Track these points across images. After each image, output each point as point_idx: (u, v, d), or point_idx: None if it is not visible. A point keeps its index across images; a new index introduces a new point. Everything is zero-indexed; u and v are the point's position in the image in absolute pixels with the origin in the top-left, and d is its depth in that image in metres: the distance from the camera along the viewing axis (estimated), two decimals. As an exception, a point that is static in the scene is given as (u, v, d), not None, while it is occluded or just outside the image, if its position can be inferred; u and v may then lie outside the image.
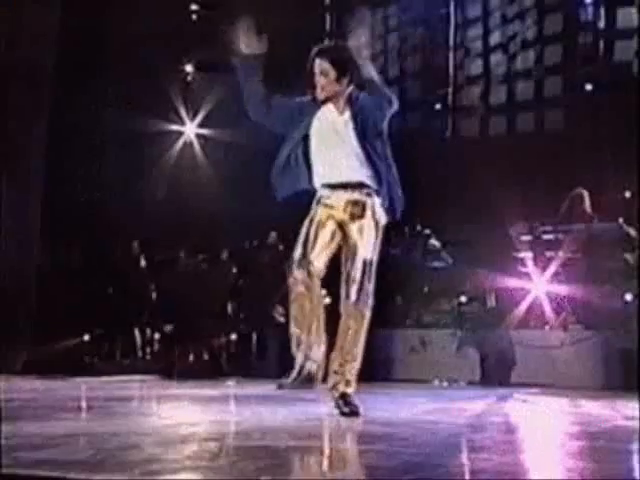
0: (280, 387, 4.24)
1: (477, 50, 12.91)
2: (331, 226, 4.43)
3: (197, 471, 2.63)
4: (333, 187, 4.45)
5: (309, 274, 4.30)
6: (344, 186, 4.43)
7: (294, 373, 4.27)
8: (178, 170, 13.02)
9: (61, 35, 10.74)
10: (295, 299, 4.34)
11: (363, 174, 4.42)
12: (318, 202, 4.49)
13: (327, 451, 3.31)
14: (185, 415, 4.83)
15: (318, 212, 4.46)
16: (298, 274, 4.31)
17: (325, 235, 4.40)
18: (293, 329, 4.35)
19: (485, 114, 12.79)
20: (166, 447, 3.17)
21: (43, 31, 10.55)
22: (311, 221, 4.44)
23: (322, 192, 4.49)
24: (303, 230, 4.43)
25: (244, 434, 3.64)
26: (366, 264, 4.41)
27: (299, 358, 4.28)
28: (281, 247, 10.40)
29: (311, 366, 4.25)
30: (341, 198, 4.44)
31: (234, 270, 11.44)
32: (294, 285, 4.33)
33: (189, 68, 13.66)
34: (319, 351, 4.31)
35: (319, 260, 4.36)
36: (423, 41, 13.36)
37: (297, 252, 4.37)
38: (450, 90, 13.10)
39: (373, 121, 4.41)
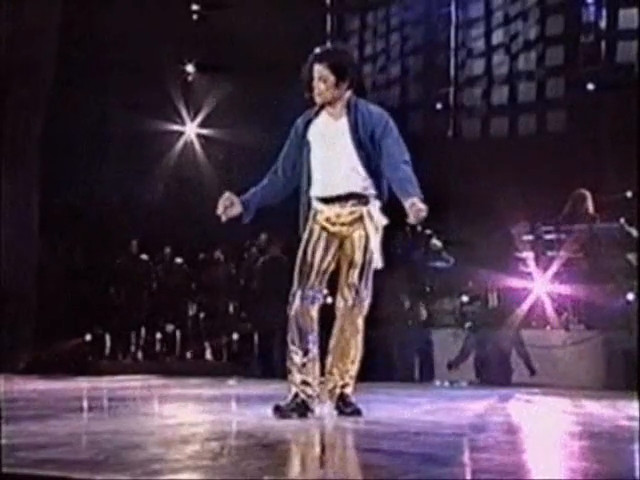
0: (276, 409, 4.23)
1: (479, 50, 12.90)
2: (325, 242, 4.38)
3: (199, 471, 2.63)
4: (327, 201, 4.39)
5: (307, 304, 4.32)
6: (338, 199, 4.37)
7: (289, 398, 4.26)
8: (178, 170, 13.04)
9: (61, 34, 10.75)
10: (293, 318, 4.34)
11: (358, 183, 4.35)
12: (314, 217, 4.42)
13: (329, 451, 3.31)
14: (187, 415, 4.83)
15: (314, 232, 4.40)
16: (297, 302, 4.32)
17: (320, 255, 4.36)
18: (290, 348, 4.34)
19: (486, 114, 12.78)
20: (168, 447, 3.17)
21: (43, 30, 10.56)
22: (307, 242, 4.39)
23: (317, 205, 4.42)
24: (300, 253, 4.39)
25: (246, 434, 3.64)
26: (364, 268, 4.38)
27: (294, 387, 4.27)
28: (278, 251, 10.41)
29: (306, 397, 4.25)
30: (336, 212, 4.37)
31: (232, 270, 11.48)
32: (294, 302, 4.35)
33: (190, 68, 13.68)
34: (315, 379, 4.31)
35: (318, 287, 4.35)
36: (425, 41, 13.36)
37: (296, 280, 4.36)
38: (451, 90, 13.10)
39: (373, 133, 4.34)
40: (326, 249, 4.38)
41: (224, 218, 4.41)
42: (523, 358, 8.25)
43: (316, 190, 4.42)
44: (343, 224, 4.38)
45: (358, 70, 4.62)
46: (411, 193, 4.16)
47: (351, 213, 4.37)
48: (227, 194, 4.42)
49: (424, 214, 4.11)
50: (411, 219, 4.14)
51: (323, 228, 4.41)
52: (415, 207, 4.07)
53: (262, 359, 10.02)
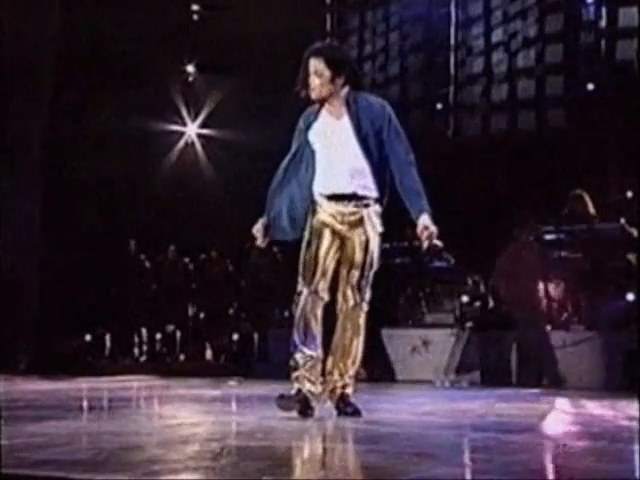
0: (281, 397, 4.24)
1: (479, 48, 12.90)
2: (328, 240, 4.38)
3: (199, 471, 2.63)
4: (329, 198, 4.38)
5: (315, 297, 4.32)
6: (340, 198, 4.36)
7: (292, 392, 4.26)
8: (179, 170, 13.05)
9: (62, 35, 10.76)
10: (300, 316, 4.34)
11: (361, 183, 4.34)
12: (313, 212, 4.41)
13: (329, 451, 3.31)
14: (187, 415, 4.83)
15: (317, 229, 4.39)
16: (304, 300, 4.32)
17: (324, 252, 4.35)
18: (295, 347, 4.33)
19: (486, 113, 12.77)
20: (168, 447, 3.18)
21: (44, 31, 10.57)
22: (310, 239, 4.38)
23: (318, 200, 4.41)
24: (303, 250, 4.38)
25: (246, 434, 3.64)
26: (365, 269, 4.39)
27: (297, 384, 4.28)
28: (275, 249, 10.42)
29: (309, 394, 4.26)
30: (336, 210, 4.37)
31: (231, 269, 11.48)
32: (300, 301, 4.34)
33: (190, 69, 13.69)
34: (318, 379, 4.32)
35: (323, 286, 4.35)
36: (424, 39, 13.36)
37: (301, 278, 4.36)
38: (451, 89, 13.09)
39: (376, 127, 4.33)
40: (329, 247, 4.39)
41: (264, 245, 4.60)
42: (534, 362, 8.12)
43: (320, 186, 4.41)
44: (344, 223, 4.38)
45: (354, 67, 4.58)
46: (420, 209, 4.26)
47: (352, 214, 4.37)
48: (258, 223, 4.50)
49: (435, 236, 4.23)
50: (423, 240, 4.26)
51: (325, 224, 4.40)
52: (427, 232, 4.22)
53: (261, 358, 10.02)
